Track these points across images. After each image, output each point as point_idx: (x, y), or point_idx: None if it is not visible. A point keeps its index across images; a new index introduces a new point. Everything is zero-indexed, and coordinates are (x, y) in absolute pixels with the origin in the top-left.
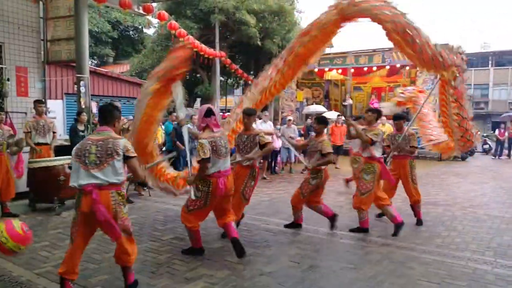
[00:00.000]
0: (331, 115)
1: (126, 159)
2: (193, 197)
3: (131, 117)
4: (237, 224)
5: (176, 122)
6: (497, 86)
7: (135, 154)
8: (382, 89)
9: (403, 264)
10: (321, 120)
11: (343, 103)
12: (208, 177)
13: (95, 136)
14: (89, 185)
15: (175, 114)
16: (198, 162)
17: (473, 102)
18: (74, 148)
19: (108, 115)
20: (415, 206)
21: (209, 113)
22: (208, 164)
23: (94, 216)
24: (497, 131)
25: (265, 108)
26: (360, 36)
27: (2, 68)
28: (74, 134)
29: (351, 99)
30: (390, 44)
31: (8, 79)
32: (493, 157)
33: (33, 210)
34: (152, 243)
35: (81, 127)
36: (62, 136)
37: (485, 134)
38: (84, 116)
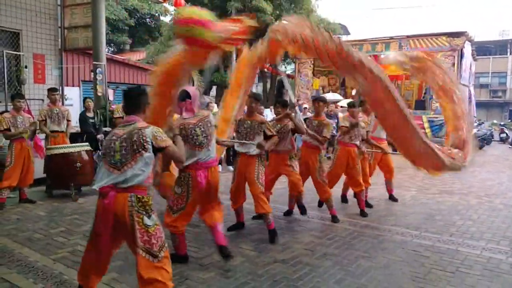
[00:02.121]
0: (345, 103)
1: (159, 151)
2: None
3: None
4: (259, 217)
5: None
6: None
7: (168, 143)
8: (399, 77)
9: (417, 252)
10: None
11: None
12: (186, 170)
13: (121, 130)
14: (107, 186)
15: None
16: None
17: (491, 90)
18: (103, 145)
19: (134, 101)
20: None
21: (183, 97)
22: None
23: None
24: None
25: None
26: (377, 24)
27: (19, 55)
28: (83, 121)
29: None
30: (407, 32)
31: (25, 66)
32: (510, 146)
33: (50, 196)
34: (165, 230)
35: (90, 114)
36: (78, 123)
37: (502, 123)
38: (89, 103)
